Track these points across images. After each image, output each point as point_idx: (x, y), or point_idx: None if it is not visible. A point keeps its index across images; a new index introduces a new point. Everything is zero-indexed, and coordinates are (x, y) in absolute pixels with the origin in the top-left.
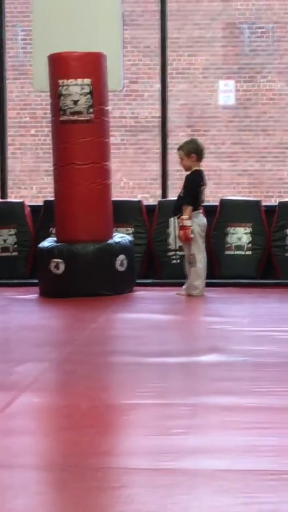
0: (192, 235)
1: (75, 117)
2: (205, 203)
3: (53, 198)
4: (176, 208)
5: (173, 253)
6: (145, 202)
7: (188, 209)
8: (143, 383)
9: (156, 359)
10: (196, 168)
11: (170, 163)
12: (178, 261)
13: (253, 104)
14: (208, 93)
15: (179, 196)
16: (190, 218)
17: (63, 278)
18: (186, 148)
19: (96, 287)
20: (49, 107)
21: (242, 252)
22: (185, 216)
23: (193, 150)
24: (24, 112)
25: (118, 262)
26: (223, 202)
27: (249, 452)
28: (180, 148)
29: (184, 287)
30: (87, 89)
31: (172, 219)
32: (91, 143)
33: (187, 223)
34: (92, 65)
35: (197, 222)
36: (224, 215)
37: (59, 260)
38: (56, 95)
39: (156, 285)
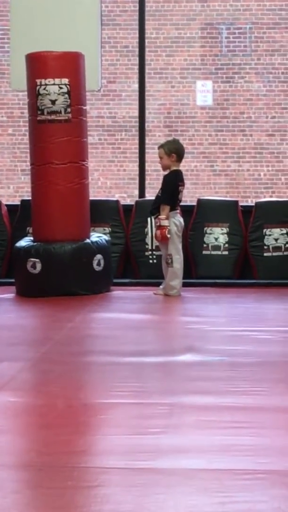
0: (168, 235)
1: (53, 117)
2: (182, 203)
3: (30, 198)
4: (154, 208)
5: (150, 253)
6: (122, 202)
7: (165, 209)
8: (120, 382)
9: (133, 358)
10: (175, 168)
11: (147, 163)
12: (155, 261)
13: (230, 104)
14: (185, 93)
15: (157, 196)
16: (167, 218)
17: (40, 277)
18: (167, 147)
19: (73, 287)
20: (26, 106)
21: (219, 252)
22: (162, 216)
23: (174, 150)
24: (1, 111)
25: (95, 262)
26: (200, 202)
27: (225, 452)
28: (161, 147)
29: (161, 286)
30: (65, 89)
31: (149, 218)
32: (69, 142)
33: (165, 223)
34: (70, 64)
35: (175, 222)
36: (201, 215)
37: (36, 260)
38: (34, 94)
39: (133, 285)
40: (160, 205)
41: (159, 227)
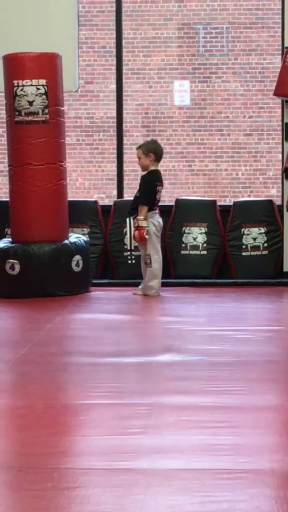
0: (147, 236)
1: (30, 118)
2: (161, 203)
3: (8, 199)
4: (132, 208)
5: (129, 253)
6: (100, 202)
7: (143, 210)
8: (99, 383)
9: (112, 359)
10: (153, 168)
11: (126, 163)
12: (134, 261)
13: (208, 104)
14: (163, 93)
15: (135, 196)
16: (145, 218)
17: (19, 279)
18: (145, 147)
19: (51, 288)
20: (4, 107)
21: (198, 252)
22: (140, 217)
23: (152, 150)
24: None
25: (74, 263)
26: (179, 202)
27: (204, 451)
28: (139, 147)
29: (140, 287)
30: (42, 90)
31: (128, 219)
32: (47, 143)
33: (143, 223)
34: (47, 65)
35: (153, 222)
36: (179, 215)
37: (15, 261)
38: (11, 95)
39: (112, 285)
40: (138, 205)
41: (137, 227)
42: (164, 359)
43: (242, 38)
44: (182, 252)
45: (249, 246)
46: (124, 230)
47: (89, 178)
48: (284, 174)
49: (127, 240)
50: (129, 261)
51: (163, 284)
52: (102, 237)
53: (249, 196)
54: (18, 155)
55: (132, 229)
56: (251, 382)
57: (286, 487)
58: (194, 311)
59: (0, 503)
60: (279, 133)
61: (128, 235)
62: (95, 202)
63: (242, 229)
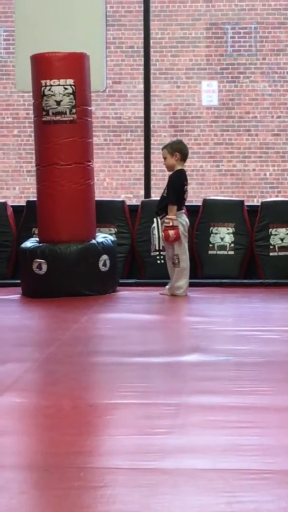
0: (174, 235)
1: (58, 118)
2: (188, 203)
3: (35, 199)
4: (159, 209)
5: (156, 253)
6: (128, 202)
7: (173, 209)
8: (126, 383)
9: (139, 359)
10: (180, 167)
11: (153, 163)
12: (163, 261)
13: (236, 104)
14: (191, 93)
15: (162, 196)
16: (176, 218)
17: (46, 278)
18: (170, 147)
19: (79, 287)
20: (31, 107)
21: (225, 252)
22: (173, 216)
23: (177, 149)
24: (6, 113)
25: (101, 262)
26: (206, 202)
27: (231, 452)
28: (164, 147)
29: (167, 287)
30: (70, 90)
31: (155, 219)
32: (74, 143)
33: (176, 223)
34: (75, 65)
35: (181, 222)
36: (207, 215)
37: (42, 261)
38: (39, 95)
39: (139, 285)
40: (168, 205)
41: (172, 227)
42: (190, 359)
43: (270, 38)
44: (210, 252)
45: (276, 246)
46: (151, 230)
47: (117, 178)
48: None
49: (154, 240)
50: (158, 261)
51: (190, 284)
52: (129, 237)
53: (276, 196)
54: (45, 155)
55: (160, 229)
56: (278, 383)
57: None
58: (221, 311)
59: (27, 502)
60: None
61: (156, 235)
62: (123, 202)
63: (270, 230)
